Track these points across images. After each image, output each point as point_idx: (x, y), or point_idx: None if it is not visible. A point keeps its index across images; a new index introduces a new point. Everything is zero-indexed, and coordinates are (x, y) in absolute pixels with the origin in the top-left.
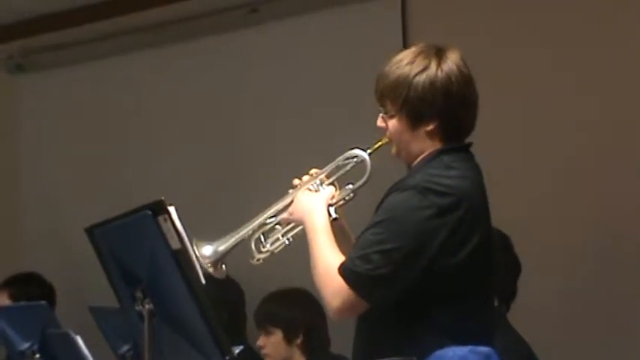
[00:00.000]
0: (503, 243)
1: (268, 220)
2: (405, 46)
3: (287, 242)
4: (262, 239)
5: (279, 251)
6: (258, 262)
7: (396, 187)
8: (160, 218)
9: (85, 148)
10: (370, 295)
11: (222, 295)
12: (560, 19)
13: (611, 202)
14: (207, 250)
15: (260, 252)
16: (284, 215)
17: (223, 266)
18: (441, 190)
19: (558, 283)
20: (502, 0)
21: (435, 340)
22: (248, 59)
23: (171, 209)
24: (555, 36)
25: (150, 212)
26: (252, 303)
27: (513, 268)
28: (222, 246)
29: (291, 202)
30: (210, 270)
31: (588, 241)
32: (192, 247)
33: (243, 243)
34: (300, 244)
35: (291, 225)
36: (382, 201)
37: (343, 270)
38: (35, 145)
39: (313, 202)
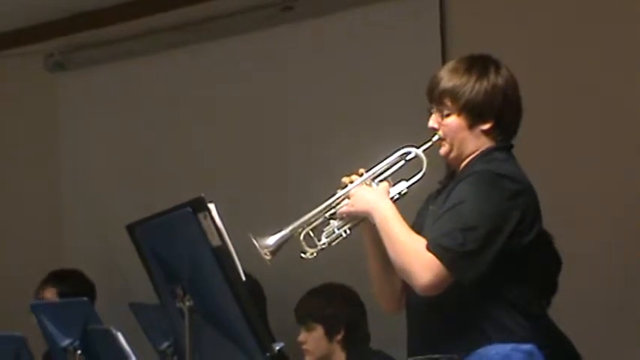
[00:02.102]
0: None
1: (320, 216)
2: (444, 44)
3: (344, 235)
4: (312, 234)
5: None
6: (311, 256)
7: (463, 177)
8: (200, 215)
9: (125, 145)
10: (459, 269)
11: None
12: (600, 17)
13: None
14: (270, 240)
15: (313, 246)
16: (344, 209)
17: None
18: (509, 176)
19: (598, 279)
20: None
21: (510, 316)
22: (282, 56)
23: (211, 206)
24: (594, 34)
25: (190, 209)
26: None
27: (554, 263)
28: (282, 237)
29: (345, 197)
30: (268, 259)
31: (629, 238)
32: (252, 238)
33: (289, 245)
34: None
35: (349, 218)
36: (449, 192)
37: (432, 247)
38: (75, 142)
39: (376, 194)
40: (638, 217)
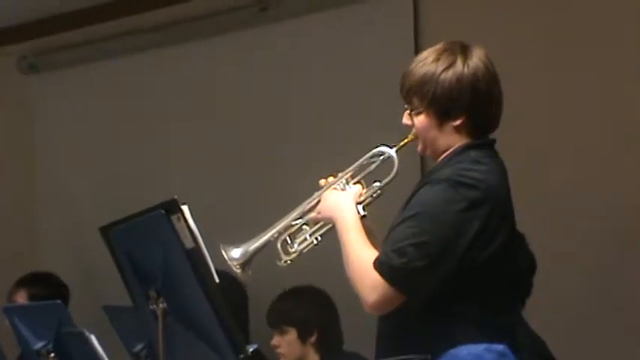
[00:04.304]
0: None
1: (295, 222)
2: (417, 44)
3: (315, 242)
4: (289, 241)
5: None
6: (285, 264)
7: (425, 182)
8: (174, 217)
9: (99, 147)
10: (406, 287)
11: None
12: (578, 13)
13: (629, 199)
14: (235, 252)
15: (288, 253)
16: (312, 215)
17: (249, 271)
18: (471, 184)
19: (573, 280)
20: None
21: (465, 333)
22: (258, 58)
23: (185, 208)
24: (570, 31)
25: (163, 211)
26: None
27: (528, 264)
28: (251, 248)
29: (318, 202)
30: (239, 272)
31: (604, 240)
32: (221, 251)
33: (269, 245)
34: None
35: (320, 224)
36: (412, 196)
37: (379, 264)
38: (49, 144)
39: (342, 199)
40: (614, 215)
